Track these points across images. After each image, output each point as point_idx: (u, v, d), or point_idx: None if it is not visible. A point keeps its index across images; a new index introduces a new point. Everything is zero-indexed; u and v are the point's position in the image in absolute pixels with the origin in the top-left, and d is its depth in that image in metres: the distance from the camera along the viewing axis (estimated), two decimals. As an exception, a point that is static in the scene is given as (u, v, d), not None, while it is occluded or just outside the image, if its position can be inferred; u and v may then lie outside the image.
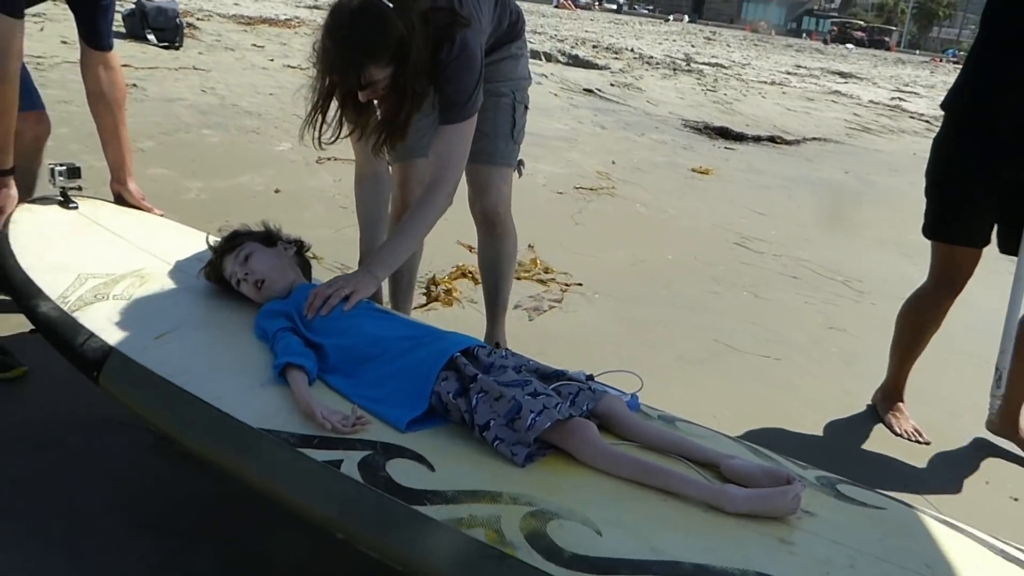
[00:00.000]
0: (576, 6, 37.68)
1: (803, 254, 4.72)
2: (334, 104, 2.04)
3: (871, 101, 13.12)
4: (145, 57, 7.07)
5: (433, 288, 3.38)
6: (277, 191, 4.42)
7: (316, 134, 2.04)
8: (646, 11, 62.03)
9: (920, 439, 2.82)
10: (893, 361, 2.95)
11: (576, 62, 11.17)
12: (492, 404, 1.55)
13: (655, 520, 1.41)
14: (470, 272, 3.61)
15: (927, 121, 11.56)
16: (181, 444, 1.68)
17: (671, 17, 40.46)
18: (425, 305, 3.27)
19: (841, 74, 17.90)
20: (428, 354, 1.69)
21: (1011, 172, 2.53)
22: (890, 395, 2.97)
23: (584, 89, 9.41)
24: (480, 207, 2.58)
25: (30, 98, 2.48)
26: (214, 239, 2.13)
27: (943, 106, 2.68)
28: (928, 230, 2.73)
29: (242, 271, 1.96)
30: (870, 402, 3.03)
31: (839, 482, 1.62)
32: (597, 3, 49.61)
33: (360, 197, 2.44)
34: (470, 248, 3.92)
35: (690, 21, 40.42)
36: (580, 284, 3.73)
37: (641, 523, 1.40)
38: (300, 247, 2.12)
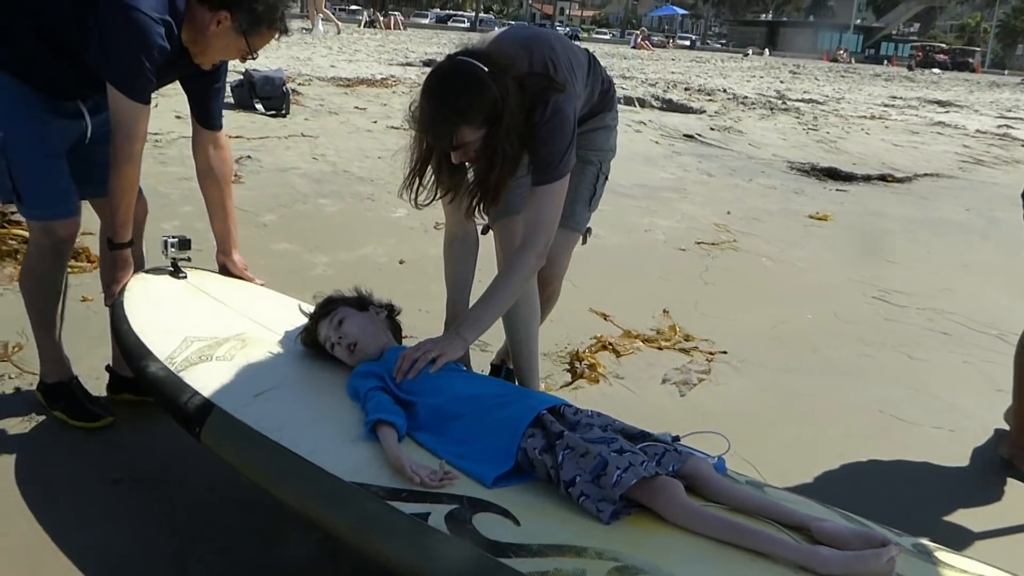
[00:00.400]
0: (652, 46, 37.65)
1: (947, 306, 4.45)
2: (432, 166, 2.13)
3: (978, 131, 12.60)
4: (255, 127, 7.21)
5: (577, 364, 3.26)
6: (401, 262, 4.39)
7: (413, 196, 2.13)
8: (719, 46, 61.64)
9: None
10: (1020, 406, 2.79)
11: (671, 106, 11.02)
12: (578, 460, 1.57)
13: None
14: (610, 344, 3.48)
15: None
16: (276, 496, 1.75)
17: (750, 51, 40.02)
18: (571, 384, 3.14)
19: (940, 103, 17.31)
20: (515, 412, 1.73)
21: None
22: (1022, 444, 2.81)
23: (684, 135, 9.25)
24: (542, 268, 2.51)
25: None
26: (307, 306, 2.24)
27: None
28: None
29: (336, 335, 2.04)
30: (1003, 455, 2.86)
31: (937, 549, 1.59)
32: (670, 40, 49.61)
33: (449, 259, 2.50)
34: (604, 316, 3.81)
35: (771, 54, 39.97)
36: (724, 352, 3.55)
37: None
38: (391, 311, 2.20)
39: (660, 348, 3.55)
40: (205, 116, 2.67)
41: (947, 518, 2.51)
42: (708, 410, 3.04)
